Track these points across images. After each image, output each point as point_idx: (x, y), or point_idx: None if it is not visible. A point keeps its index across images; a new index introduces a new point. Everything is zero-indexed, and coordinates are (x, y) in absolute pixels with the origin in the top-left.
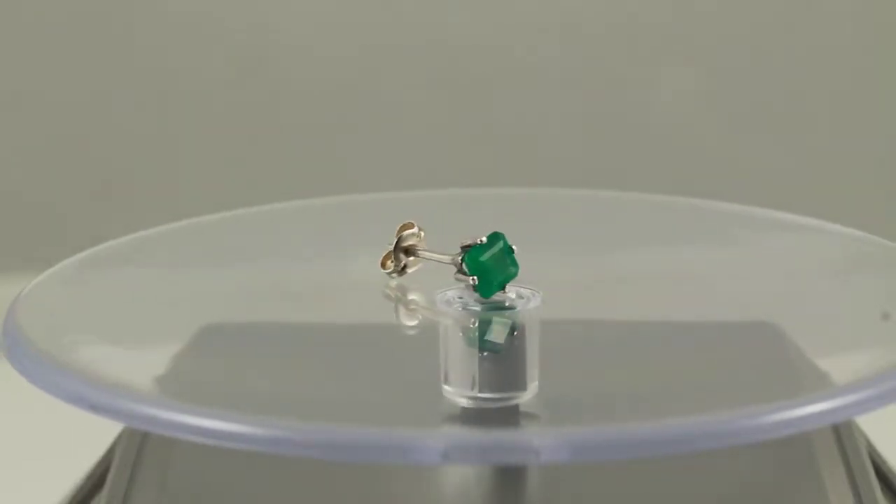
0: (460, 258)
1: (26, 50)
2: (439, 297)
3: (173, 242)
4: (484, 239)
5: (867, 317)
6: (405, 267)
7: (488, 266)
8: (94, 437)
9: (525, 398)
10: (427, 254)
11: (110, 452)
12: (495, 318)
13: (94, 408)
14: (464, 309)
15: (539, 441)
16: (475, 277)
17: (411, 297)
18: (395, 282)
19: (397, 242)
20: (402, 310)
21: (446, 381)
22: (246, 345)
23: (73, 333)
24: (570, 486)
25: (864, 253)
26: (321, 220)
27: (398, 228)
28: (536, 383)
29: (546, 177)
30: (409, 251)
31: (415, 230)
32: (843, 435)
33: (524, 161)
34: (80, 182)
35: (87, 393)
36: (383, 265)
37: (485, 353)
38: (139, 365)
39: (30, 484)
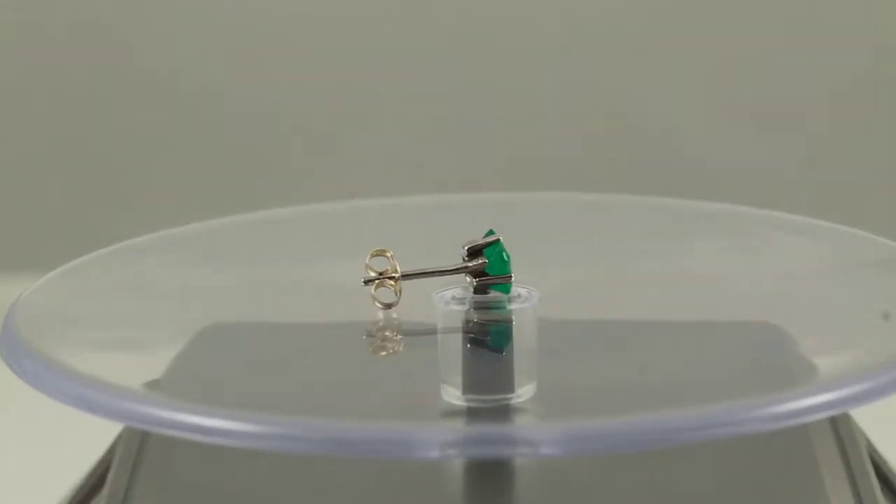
0: (482, 261)
1: (26, 49)
2: (438, 298)
3: (174, 244)
4: (500, 237)
5: (867, 317)
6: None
7: (509, 261)
8: (94, 437)
9: (524, 396)
10: (427, 271)
11: (110, 452)
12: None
13: (94, 408)
14: (471, 308)
15: (538, 434)
16: (511, 275)
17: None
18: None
19: (382, 272)
20: (402, 310)
21: (446, 381)
22: (246, 345)
23: (73, 334)
24: (568, 486)
25: (864, 253)
26: (322, 223)
27: (371, 255)
28: (535, 382)
29: (544, 179)
30: (401, 276)
31: (389, 254)
32: (843, 435)
33: (524, 162)
34: (81, 183)
35: (87, 393)
36: (374, 293)
37: (503, 353)
38: (139, 365)
39: (30, 484)
